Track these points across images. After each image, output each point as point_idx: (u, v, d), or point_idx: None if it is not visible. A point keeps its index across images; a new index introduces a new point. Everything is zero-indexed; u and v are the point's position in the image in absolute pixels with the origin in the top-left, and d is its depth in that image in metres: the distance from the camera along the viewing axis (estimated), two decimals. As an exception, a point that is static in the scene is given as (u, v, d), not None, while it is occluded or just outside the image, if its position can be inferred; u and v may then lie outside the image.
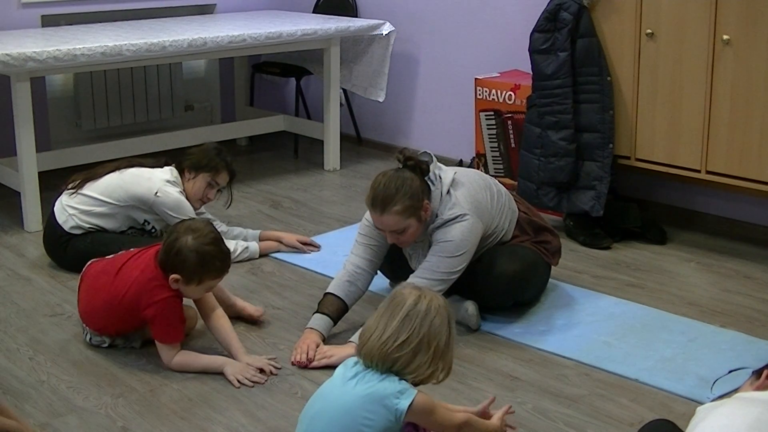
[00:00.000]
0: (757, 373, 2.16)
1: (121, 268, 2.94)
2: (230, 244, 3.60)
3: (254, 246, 3.84)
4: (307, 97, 5.83)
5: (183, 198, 3.65)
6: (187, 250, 2.80)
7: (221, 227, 3.77)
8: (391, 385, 2.12)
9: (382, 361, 2.13)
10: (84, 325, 3.06)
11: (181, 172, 3.73)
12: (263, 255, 3.86)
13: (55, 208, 3.67)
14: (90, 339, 3.05)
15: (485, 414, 2.41)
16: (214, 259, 2.83)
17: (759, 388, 2.08)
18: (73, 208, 3.62)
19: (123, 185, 3.63)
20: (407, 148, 3.06)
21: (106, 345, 3.03)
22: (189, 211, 3.62)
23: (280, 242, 3.92)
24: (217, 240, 2.86)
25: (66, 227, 3.61)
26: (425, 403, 2.16)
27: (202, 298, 2.96)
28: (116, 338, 3.03)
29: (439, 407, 2.22)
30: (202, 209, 3.84)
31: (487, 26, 4.97)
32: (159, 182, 3.63)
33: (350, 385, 2.14)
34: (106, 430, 2.55)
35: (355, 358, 2.20)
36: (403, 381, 2.13)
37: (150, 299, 2.85)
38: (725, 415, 1.89)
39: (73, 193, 3.64)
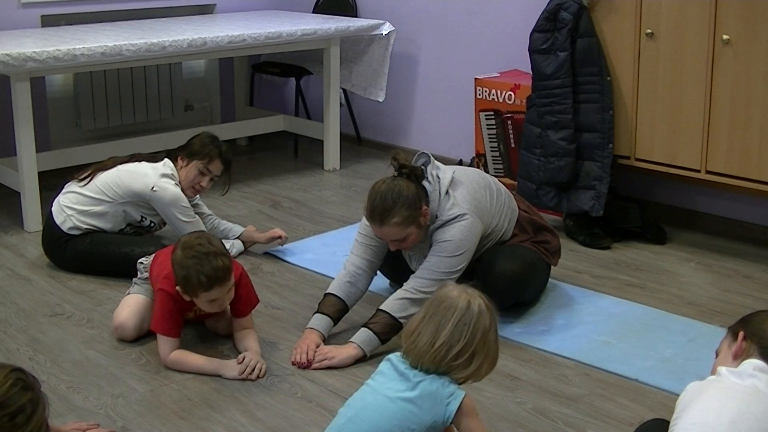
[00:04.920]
0: (733, 330, 2.15)
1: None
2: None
3: (239, 244, 3.88)
4: (306, 97, 5.83)
5: (180, 192, 3.65)
6: (175, 264, 2.83)
7: (213, 221, 3.86)
8: (444, 388, 2.12)
9: (435, 366, 2.13)
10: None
11: (174, 160, 3.72)
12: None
13: (52, 209, 3.66)
14: None
15: None
16: (198, 273, 2.77)
17: (737, 355, 2.08)
18: (70, 209, 3.61)
19: (119, 182, 3.62)
20: (400, 153, 3.03)
21: None
22: (186, 205, 3.63)
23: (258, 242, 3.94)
24: (204, 254, 2.78)
25: (64, 228, 3.61)
26: (472, 403, 2.17)
27: (238, 321, 3.01)
28: None
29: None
30: (197, 199, 3.83)
31: (487, 26, 4.97)
32: (155, 177, 3.62)
33: (401, 381, 2.14)
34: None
35: (399, 354, 2.20)
36: (452, 383, 2.14)
37: (155, 285, 2.98)
38: (705, 411, 1.88)
39: (85, 184, 3.64)
